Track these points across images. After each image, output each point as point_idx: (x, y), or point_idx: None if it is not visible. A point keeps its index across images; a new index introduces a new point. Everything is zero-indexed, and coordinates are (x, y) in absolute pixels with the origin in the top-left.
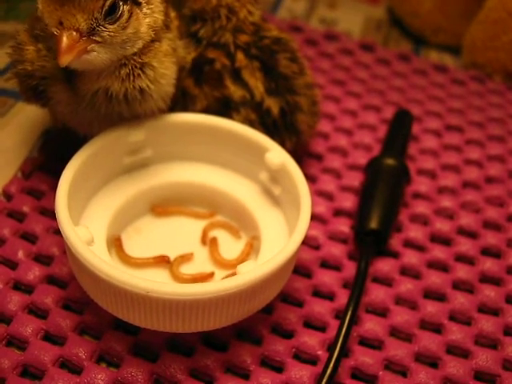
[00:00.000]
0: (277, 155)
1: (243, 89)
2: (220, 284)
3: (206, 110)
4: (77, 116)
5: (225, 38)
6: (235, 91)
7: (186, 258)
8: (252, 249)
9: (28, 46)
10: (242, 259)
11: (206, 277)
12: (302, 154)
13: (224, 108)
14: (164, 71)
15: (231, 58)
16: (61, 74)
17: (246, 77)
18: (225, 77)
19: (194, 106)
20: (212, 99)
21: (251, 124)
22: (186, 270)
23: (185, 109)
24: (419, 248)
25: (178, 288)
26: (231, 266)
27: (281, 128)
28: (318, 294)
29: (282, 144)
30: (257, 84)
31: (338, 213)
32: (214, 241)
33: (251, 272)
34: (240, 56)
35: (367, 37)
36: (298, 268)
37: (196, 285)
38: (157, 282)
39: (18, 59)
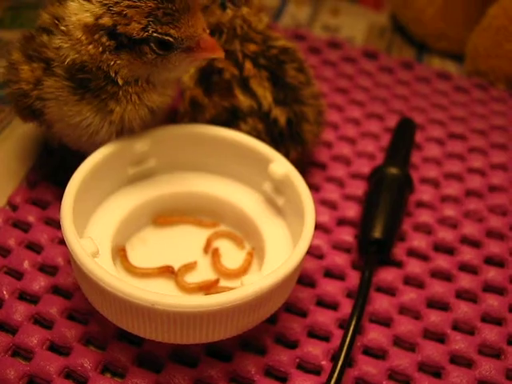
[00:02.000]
0: (281, 166)
1: (251, 98)
2: (225, 296)
3: (215, 120)
4: (76, 131)
5: (234, 46)
6: (244, 101)
7: (189, 266)
8: (253, 258)
9: (22, 65)
10: (244, 269)
11: (212, 284)
12: (305, 163)
13: (232, 117)
14: None
15: (239, 67)
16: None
17: (254, 86)
18: (234, 86)
19: (203, 116)
20: (221, 109)
21: (258, 134)
22: (191, 278)
23: (193, 118)
24: (423, 257)
25: (184, 300)
26: (234, 276)
27: (287, 138)
28: (321, 303)
29: (287, 154)
30: (265, 94)
31: (342, 222)
32: (216, 251)
33: (256, 284)
34: (248, 65)
35: (370, 43)
36: (301, 278)
37: (201, 297)
38: (162, 295)
39: (13, 79)
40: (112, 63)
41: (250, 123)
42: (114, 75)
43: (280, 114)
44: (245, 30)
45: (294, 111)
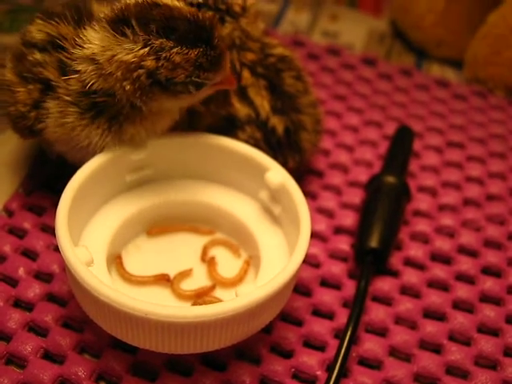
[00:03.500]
0: (277, 175)
1: (249, 107)
2: (219, 306)
3: (212, 128)
4: (81, 151)
5: (231, 55)
6: (241, 109)
7: (185, 274)
8: (249, 266)
9: (18, 87)
10: (241, 277)
11: (208, 290)
12: (302, 171)
13: (229, 126)
14: None
15: (237, 76)
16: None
17: (252, 95)
18: (231, 95)
19: (200, 124)
20: (218, 117)
21: (256, 142)
22: (186, 286)
23: (191, 126)
24: (419, 267)
25: (177, 311)
26: (230, 284)
27: (284, 147)
28: (317, 313)
29: (285, 162)
30: (262, 103)
31: (338, 230)
32: (212, 260)
33: (251, 294)
34: (246, 74)
35: (369, 49)
36: (297, 287)
37: (195, 307)
38: (156, 305)
39: (9, 101)
40: (144, 98)
41: (248, 131)
42: (140, 105)
43: (278, 123)
44: (243, 40)
45: (291, 120)
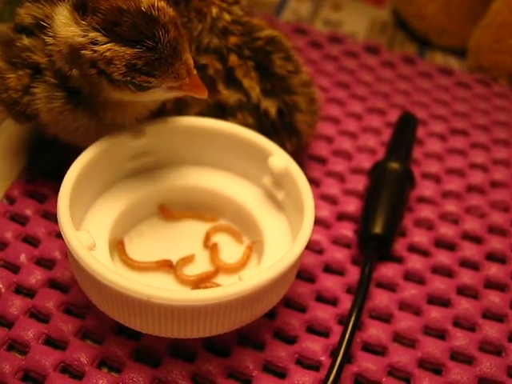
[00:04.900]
0: (280, 159)
1: (238, 92)
2: (222, 290)
3: (200, 116)
4: (73, 134)
5: (213, 42)
6: (230, 96)
7: (187, 260)
8: (252, 252)
9: (8, 73)
10: (243, 263)
11: (211, 275)
12: (305, 158)
13: (220, 113)
14: None
15: (224, 61)
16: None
17: (240, 76)
18: (218, 82)
19: (187, 113)
20: (205, 105)
21: (249, 128)
22: (189, 271)
23: (177, 114)
24: (423, 253)
25: (180, 294)
26: (233, 270)
27: (280, 129)
28: (321, 299)
29: (282, 146)
30: (252, 84)
31: (342, 217)
32: (214, 247)
33: (254, 278)
34: (233, 58)
35: (372, 39)
36: (301, 273)
37: (198, 291)
38: (158, 288)
39: (0, 87)
40: (93, 86)
41: (240, 118)
42: (94, 92)
43: (270, 105)
44: (208, 23)
45: (284, 101)
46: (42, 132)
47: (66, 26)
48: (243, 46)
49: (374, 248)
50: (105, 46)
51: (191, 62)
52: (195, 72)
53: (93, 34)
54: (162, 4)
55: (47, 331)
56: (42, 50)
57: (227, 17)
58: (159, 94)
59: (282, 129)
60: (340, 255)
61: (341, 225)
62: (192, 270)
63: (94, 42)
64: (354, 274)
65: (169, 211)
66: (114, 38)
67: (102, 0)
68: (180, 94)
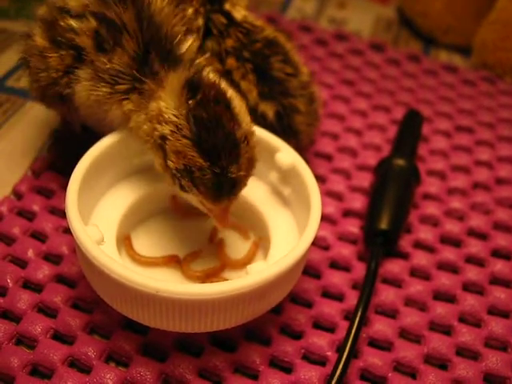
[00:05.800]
0: (287, 156)
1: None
2: (230, 284)
3: None
4: (104, 117)
5: (213, 46)
6: None
7: (195, 255)
8: (258, 248)
9: (50, 52)
10: (249, 259)
11: (218, 270)
12: (310, 154)
13: None
14: None
15: (222, 63)
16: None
17: (237, 78)
18: None
19: None
20: None
21: None
22: (196, 267)
23: None
24: (429, 249)
25: (188, 288)
26: (239, 266)
27: (278, 131)
28: (327, 294)
29: None
30: (249, 87)
31: (348, 213)
32: (221, 242)
33: (261, 272)
34: (230, 60)
35: (377, 37)
36: (307, 268)
37: (206, 285)
38: (166, 282)
39: (40, 67)
40: (144, 140)
41: None
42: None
43: (268, 109)
44: (222, 27)
45: (282, 104)
46: (71, 121)
47: (168, 108)
48: (241, 48)
49: (379, 244)
50: (185, 140)
51: (234, 203)
52: (229, 209)
53: (182, 122)
54: (253, 143)
55: (55, 326)
56: (90, 36)
57: (234, 17)
58: (189, 198)
59: (281, 131)
60: (346, 251)
61: (347, 221)
62: (199, 266)
63: (178, 129)
64: (359, 269)
65: (179, 203)
66: (197, 140)
67: (210, 94)
68: (204, 210)
